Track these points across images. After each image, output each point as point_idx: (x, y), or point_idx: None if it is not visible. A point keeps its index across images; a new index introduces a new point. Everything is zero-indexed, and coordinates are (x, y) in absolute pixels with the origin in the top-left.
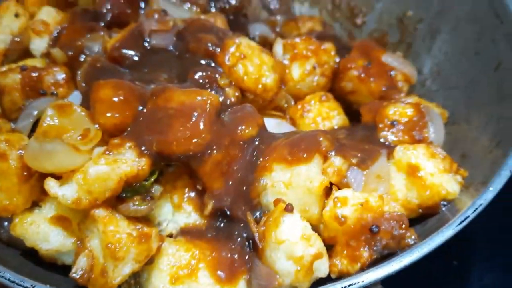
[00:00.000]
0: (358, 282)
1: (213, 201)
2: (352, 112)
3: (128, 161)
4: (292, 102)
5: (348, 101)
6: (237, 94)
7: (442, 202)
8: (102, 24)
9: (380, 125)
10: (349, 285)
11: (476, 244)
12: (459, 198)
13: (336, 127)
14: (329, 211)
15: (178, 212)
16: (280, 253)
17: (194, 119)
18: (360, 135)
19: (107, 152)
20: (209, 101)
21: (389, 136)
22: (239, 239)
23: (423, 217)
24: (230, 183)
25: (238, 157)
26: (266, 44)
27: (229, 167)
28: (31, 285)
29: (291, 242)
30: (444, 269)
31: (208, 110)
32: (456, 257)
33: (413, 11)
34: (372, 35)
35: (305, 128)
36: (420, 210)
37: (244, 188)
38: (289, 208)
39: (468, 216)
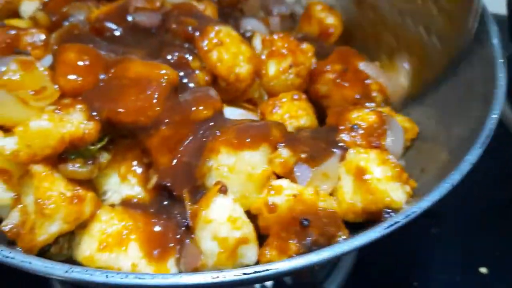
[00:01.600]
0: (267, 270)
1: (157, 175)
2: (324, 117)
3: (75, 122)
4: (265, 98)
5: (321, 105)
6: (206, 78)
7: (386, 210)
8: None
9: (341, 127)
10: (257, 272)
11: None
12: (404, 209)
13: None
14: (263, 198)
15: (123, 183)
16: (206, 233)
17: (147, 91)
18: (321, 136)
19: (56, 111)
20: (166, 76)
21: (346, 138)
22: (177, 218)
23: (368, 223)
24: (177, 160)
25: (188, 136)
26: None
27: (177, 144)
28: None
29: (217, 223)
30: None
31: (163, 84)
32: None
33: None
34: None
35: None
36: (364, 216)
37: (191, 168)
38: (222, 190)
39: (398, 222)
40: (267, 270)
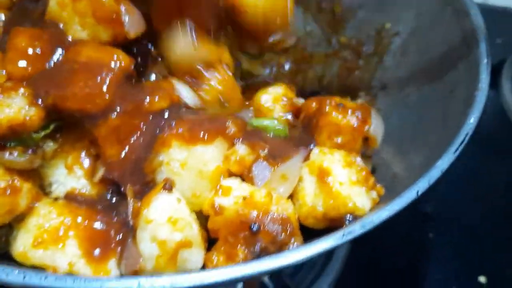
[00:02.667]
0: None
1: (104, 168)
2: None
3: (15, 107)
4: None
5: None
6: None
7: (347, 217)
8: None
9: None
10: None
11: None
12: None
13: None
14: (210, 199)
15: (69, 174)
16: (146, 234)
17: (97, 77)
18: (295, 133)
19: None
20: (119, 62)
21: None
22: (122, 216)
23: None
24: (126, 153)
25: (139, 128)
26: None
27: (128, 135)
28: None
29: (157, 223)
30: None
31: (115, 70)
32: None
33: (391, 24)
34: (349, 42)
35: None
36: (325, 221)
37: (141, 162)
38: (167, 187)
39: (353, 231)
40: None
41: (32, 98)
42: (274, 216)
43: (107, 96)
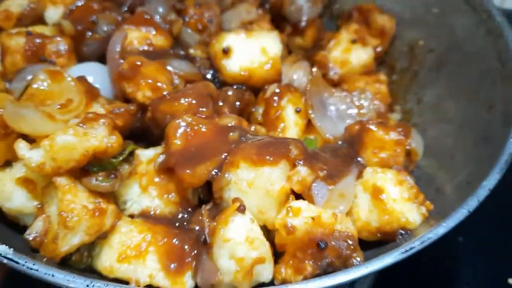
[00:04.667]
0: None
1: (164, 156)
2: None
3: (98, 136)
4: None
5: None
6: None
7: (400, 231)
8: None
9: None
10: None
11: None
12: (418, 230)
13: None
14: (281, 218)
15: (144, 194)
16: (224, 251)
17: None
18: (342, 150)
19: (81, 125)
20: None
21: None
22: (194, 232)
23: (382, 243)
24: (187, 147)
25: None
26: None
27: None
28: None
29: (235, 242)
30: None
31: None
32: None
33: (425, 41)
34: (383, 59)
35: None
36: (378, 235)
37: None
38: (241, 209)
39: (414, 247)
40: None
41: (111, 127)
42: (339, 234)
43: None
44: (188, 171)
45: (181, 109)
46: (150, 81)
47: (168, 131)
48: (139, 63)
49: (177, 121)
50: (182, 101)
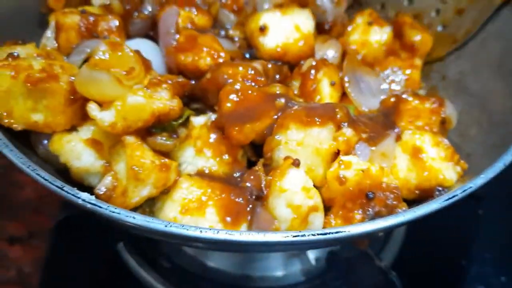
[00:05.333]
0: (345, 231)
1: (216, 116)
2: None
3: (162, 99)
4: None
5: None
6: None
7: (437, 188)
8: None
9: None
10: (335, 232)
11: None
12: (454, 187)
13: None
14: (333, 171)
15: (199, 156)
16: (281, 200)
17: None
18: (379, 119)
19: (145, 89)
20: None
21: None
22: (247, 189)
23: (419, 201)
24: (236, 108)
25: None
26: None
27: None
28: (61, 185)
29: (292, 192)
30: None
31: None
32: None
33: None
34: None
35: None
36: (417, 192)
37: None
38: (296, 163)
39: (456, 195)
40: (345, 231)
41: (173, 92)
42: (386, 186)
43: None
44: (236, 128)
45: (239, 73)
46: (208, 49)
47: (222, 95)
48: (194, 35)
49: (230, 86)
50: (241, 68)
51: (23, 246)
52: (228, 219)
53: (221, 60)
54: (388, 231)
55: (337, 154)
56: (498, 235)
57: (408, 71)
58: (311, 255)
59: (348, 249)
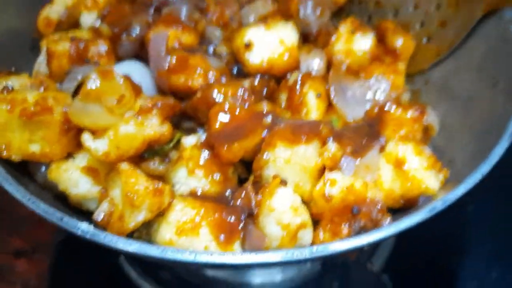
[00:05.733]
0: (330, 249)
1: (206, 135)
2: None
3: (153, 126)
4: None
5: None
6: None
7: (421, 197)
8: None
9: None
10: (321, 250)
11: None
12: (437, 195)
13: None
14: (319, 190)
15: (191, 176)
16: (270, 219)
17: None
18: (363, 129)
19: (136, 116)
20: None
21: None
22: (238, 207)
23: (404, 209)
24: (226, 128)
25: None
26: None
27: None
28: (60, 217)
29: (280, 211)
30: None
31: None
32: None
33: None
34: None
35: None
36: (401, 201)
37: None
38: (283, 182)
39: (436, 207)
40: (331, 249)
41: (163, 117)
42: (370, 200)
43: None
44: (225, 147)
45: (228, 93)
46: (199, 70)
47: (211, 114)
48: (185, 57)
49: (219, 105)
50: (230, 88)
51: (28, 259)
52: (222, 237)
53: (211, 80)
54: (374, 245)
55: (323, 168)
56: (489, 230)
57: (391, 77)
58: None
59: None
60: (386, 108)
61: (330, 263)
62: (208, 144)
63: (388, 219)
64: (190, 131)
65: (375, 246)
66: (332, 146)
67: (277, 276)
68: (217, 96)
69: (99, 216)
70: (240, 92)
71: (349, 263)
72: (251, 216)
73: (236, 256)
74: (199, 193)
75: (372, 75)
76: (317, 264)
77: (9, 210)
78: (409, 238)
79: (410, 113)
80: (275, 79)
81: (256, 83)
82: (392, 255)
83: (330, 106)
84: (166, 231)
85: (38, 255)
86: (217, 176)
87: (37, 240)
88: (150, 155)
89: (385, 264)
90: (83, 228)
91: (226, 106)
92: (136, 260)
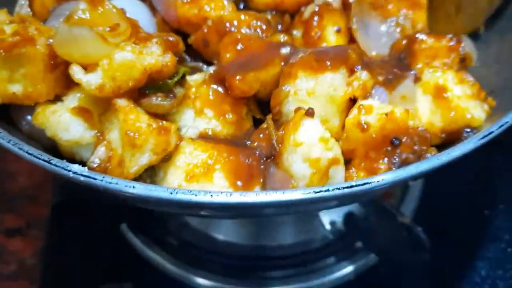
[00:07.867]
0: (373, 182)
1: (216, 68)
2: None
3: (154, 54)
4: None
5: None
6: None
7: (465, 129)
8: None
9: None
10: (362, 184)
11: None
12: (483, 126)
13: None
14: (353, 118)
15: (199, 117)
16: (296, 156)
17: None
18: (392, 61)
19: (134, 44)
20: None
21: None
22: (257, 148)
23: (446, 145)
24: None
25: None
26: None
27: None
28: (48, 158)
29: (308, 144)
30: None
31: None
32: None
33: None
34: None
35: None
36: (443, 136)
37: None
38: (309, 112)
39: (492, 132)
40: (373, 182)
41: (165, 46)
42: (412, 130)
43: None
44: (238, 77)
45: (243, 22)
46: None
47: (223, 44)
48: None
49: (232, 34)
50: (245, 16)
51: (23, 237)
52: (239, 183)
53: (226, 12)
54: (418, 178)
55: (351, 102)
56: None
57: (411, 12)
58: (326, 218)
59: (366, 208)
60: (417, 36)
61: (352, 219)
62: (218, 78)
63: (434, 152)
64: (196, 71)
65: (401, 197)
66: (363, 74)
67: (292, 237)
68: (231, 25)
69: (94, 162)
70: (255, 22)
71: (373, 217)
72: (272, 157)
73: (260, 195)
74: (209, 135)
75: (396, 8)
76: (338, 222)
77: (1, 189)
78: (434, 191)
79: (444, 41)
80: (290, 15)
81: (269, 17)
82: (419, 208)
83: (349, 42)
84: (174, 177)
85: (33, 232)
86: (229, 116)
87: (31, 217)
88: (152, 90)
89: (414, 216)
90: (75, 169)
91: (240, 35)
92: (140, 225)
